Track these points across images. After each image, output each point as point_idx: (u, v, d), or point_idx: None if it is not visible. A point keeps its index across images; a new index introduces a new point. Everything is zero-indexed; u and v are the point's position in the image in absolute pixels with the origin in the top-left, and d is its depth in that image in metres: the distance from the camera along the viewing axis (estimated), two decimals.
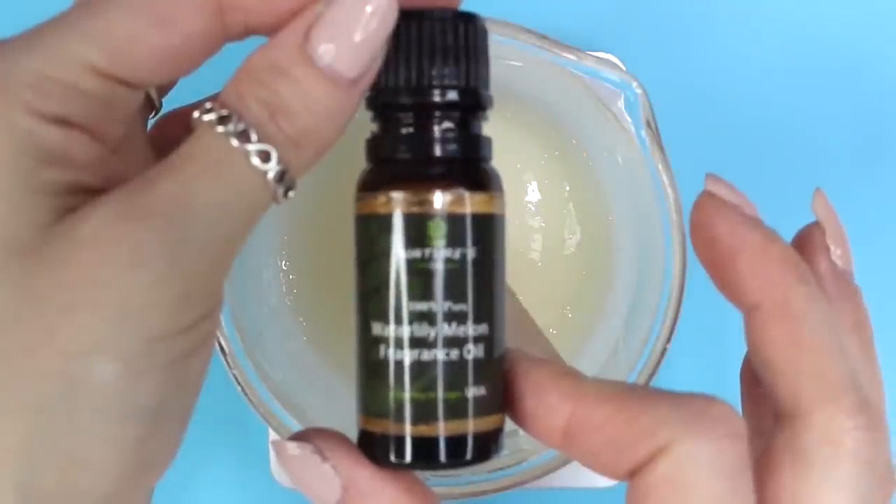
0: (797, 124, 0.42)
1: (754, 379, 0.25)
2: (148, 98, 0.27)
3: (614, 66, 0.29)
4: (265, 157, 0.21)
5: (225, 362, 0.29)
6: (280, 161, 0.21)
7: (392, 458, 0.22)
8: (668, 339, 0.28)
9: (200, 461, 0.40)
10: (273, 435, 0.32)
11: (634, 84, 0.28)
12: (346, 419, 0.26)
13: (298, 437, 0.23)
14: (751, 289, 0.23)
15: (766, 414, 0.25)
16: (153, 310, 0.20)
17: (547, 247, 0.34)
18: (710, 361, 0.40)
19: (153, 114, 0.28)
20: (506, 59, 0.30)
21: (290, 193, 0.22)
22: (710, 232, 0.24)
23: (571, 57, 0.28)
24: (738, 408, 0.23)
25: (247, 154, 0.21)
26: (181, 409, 0.22)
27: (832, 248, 0.25)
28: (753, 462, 0.23)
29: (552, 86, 0.30)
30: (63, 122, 0.21)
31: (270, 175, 0.21)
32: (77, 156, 0.21)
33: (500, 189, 0.23)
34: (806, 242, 0.24)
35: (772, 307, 0.23)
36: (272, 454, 0.38)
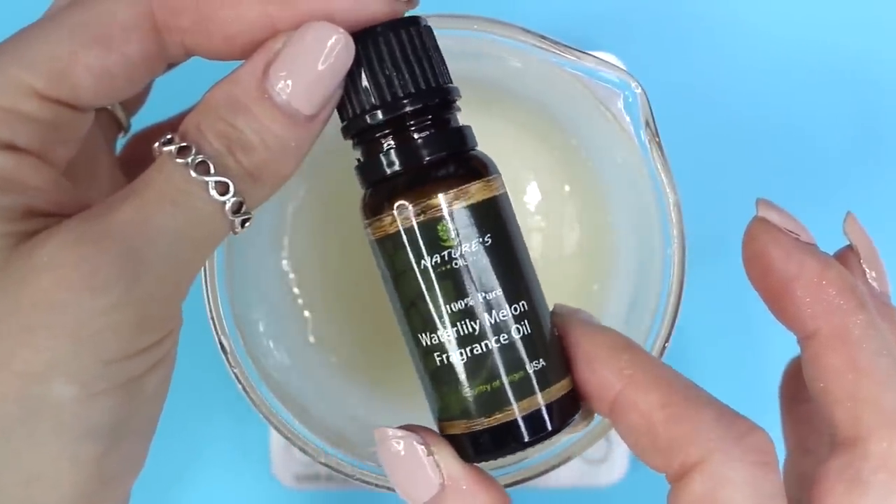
0: (796, 125, 0.42)
1: (795, 397, 0.25)
2: (115, 118, 0.27)
3: (614, 66, 0.29)
4: (223, 188, 0.22)
5: (226, 361, 0.29)
6: (237, 193, 0.22)
7: (480, 452, 0.23)
8: (668, 339, 0.28)
9: (201, 460, 0.40)
10: (274, 434, 0.32)
11: (634, 84, 0.28)
12: (349, 419, 0.26)
13: (404, 428, 0.24)
14: (808, 316, 0.23)
15: (809, 432, 0.25)
16: (109, 333, 0.21)
17: (547, 247, 0.34)
18: (709, 361, 0.40)
19: (122, 134, 0.28)
20: (505, 59, 0.30)
21: (247, 224, 0.23)
22: (765, 260, 0.24)
23: (571, 57, 0.28)
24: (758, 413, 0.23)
25: (205, 185, 0.22)
26: (141, 426, 0.23)
27: (868, 270, 0.25)
28: (797, 482, 0.23)
29: (552, 86, 0.30)
30: (9, 147, 0.21)
31: (228, 206, 0.22)
32: (28, 180, 0.22)
33: (494, 171, 0.23)
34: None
35: (829, 335, 0.23)
36: (272, 456, 0.38)
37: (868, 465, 0.22)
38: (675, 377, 0.23)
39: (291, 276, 0.34)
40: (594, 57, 0.29)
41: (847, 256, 0.25)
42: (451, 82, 0.24)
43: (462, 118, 0.24)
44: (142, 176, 0.22)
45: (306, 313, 0.34)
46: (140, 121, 0.30)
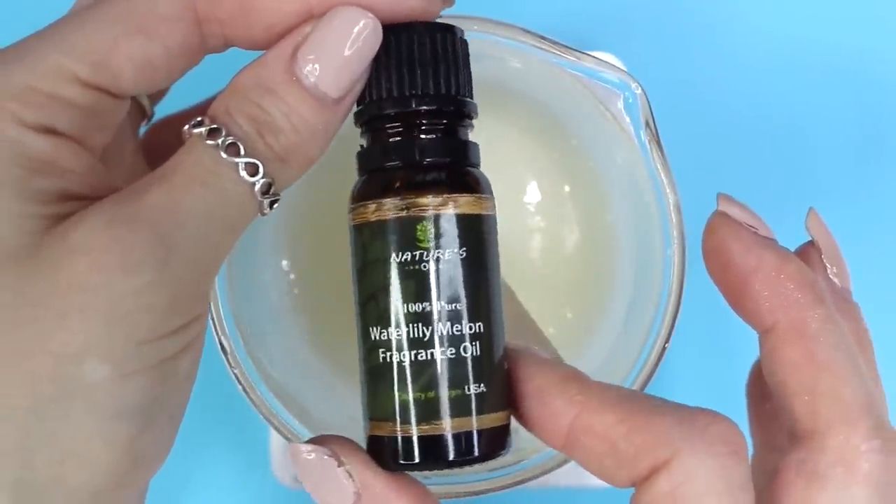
0: (796, 125, 0.42)
1: (762, 395, 0.25)
2: (140, 106, 0.27)
3: (614, 66, 0.29)
4: (253, 169, 0.22)
5: (226, 362, 0.29)
6: (266, 174, 0.22)
7: (401, 459, 0.23)
8: (668, 339, 0.28)
9: (201, 461, 0.40)
10: (274, 435, 0.32)
11: (633, 84, 0.28)
12: (349, 419, 0.26)
13: (314, 441, 0.24)
14: (766, 310, 0.23)
15: (775, 430, 0.25)
16: (142, 314, 0.21)
17: (547, 247, 0.34)
18: (709, 361, 0.40)
19: (146, 121, 0.28)
20: (505, 60, 0.30)
21: (275, 206, 0.23)
22: (724, 254, 0.24)
23: (571, 57, 0.28)
24: (741, 418, 0.23)
25: (235, 166, 0.22)
26: (172, 409, 0.23)
27: (828, 266, 0.25)
28: (765, 478, 0.23)
29: (552, 86, 0.30)
30: (50, 131, 0.22)
31: (257, 187, 0.22)
32: (65, 164, 0.22)
33: (487, 191, 0.24)
34: (803, 262, 0.25)
35: (787, 328, 0.23)
36: (272, 456, 0.38)
37: (826, 458, 0.22)
38: (627, 394, 0.23)
39: (291, 276, 0.34)
40: (594, 57, 0.29)
41: (809, 252, 0.25)
42: (472, 97, 0.24)
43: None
44: (171, 159, 0.22)
45: (306, 313, 0.34)
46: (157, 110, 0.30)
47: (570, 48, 0.28)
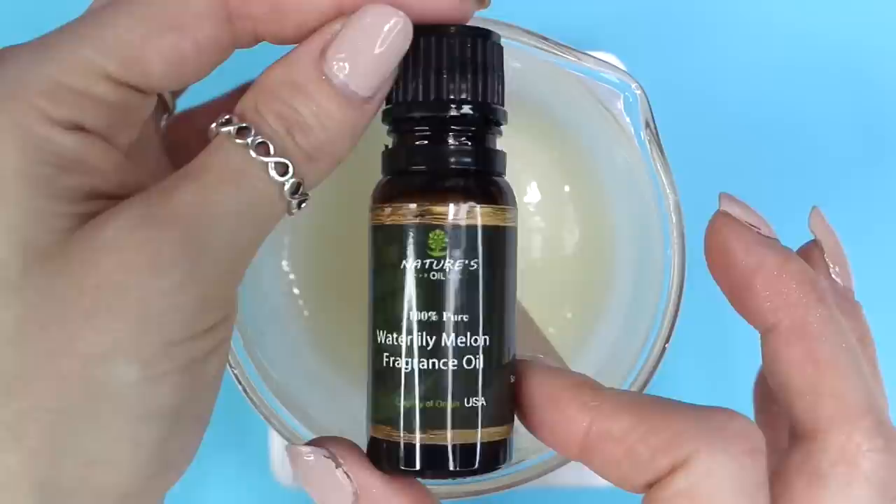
0: (797, 125, 0.42)
1: (767, 397, 0.25)
2: (161, 100, 0.27)
3: (614, 66, 0.29)
4: (282, 169, 0.22)
5: (227, 362, 0.29)
6: (295, 174, 0.22)
7: (401, 465, 0.23)
8: (668, 339, 0.28)
9: (201, 461, 0.40)
10: (274, 435, 0.32)
11: (634, 85, 0.28)
12: (349, 419, 0.26)
13: (313, 443, 0.24)
14: (768, 309, 0.23)
15: (780, 431, 0.25)
16: (171, 315, 0.21)
17: (547, 247, 0.34)
18: (709, 361, 0.40)
19: (167, 115, 0.28)
20: (506, 60, 0.30)
21: (304, 205, 0.22)
22: (726, 254, 0.24)
23: (571, 57, 0.28)
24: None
25: (265, 166, 0.22)
26: (199, 412, 0.23)
27: (831, 265, 0.25)
28: (768, 479, 0.23)
29: (552, 86, 0.30)
30: (78, 128, 0.21)
31: (286, 187, 0.22)
32: (93, 162, 0.22)
33: (511, 203, 0.23)
34: (805, 261, 0.25)
35: (789, 328, 0.23)
36: (272, 456, 0.38)
37: (827, 458, 0.22)
38: (640, 398, 0.23)
39: (291, 276, 0.34)
40: (594, 58, 0.29)
41: (811, 252, 0.25)
42: (502, 105, 0.24)
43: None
44: (199, 157, 0.22)
45: (306, 313, 0.34)
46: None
47: (571, 48, 0.28)
